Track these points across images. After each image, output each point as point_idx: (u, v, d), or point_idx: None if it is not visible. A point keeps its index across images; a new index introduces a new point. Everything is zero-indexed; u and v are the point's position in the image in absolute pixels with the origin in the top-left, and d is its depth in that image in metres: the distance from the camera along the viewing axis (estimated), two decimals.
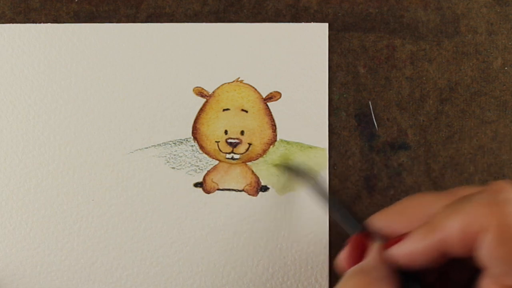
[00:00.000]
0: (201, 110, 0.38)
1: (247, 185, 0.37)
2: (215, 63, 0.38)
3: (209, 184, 0.38)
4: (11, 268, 0.37)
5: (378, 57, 0.38)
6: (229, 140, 0.38)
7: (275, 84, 0.38)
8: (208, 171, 0.38)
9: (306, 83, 0.38)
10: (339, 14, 0.39)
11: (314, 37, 0.38)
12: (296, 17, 0.39)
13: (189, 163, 0.38)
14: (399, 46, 0.38)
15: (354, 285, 0.25)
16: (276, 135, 0.38)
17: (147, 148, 0.38)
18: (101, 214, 0.37)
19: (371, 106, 0.38)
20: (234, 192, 0.37)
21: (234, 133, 0.38)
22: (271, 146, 0.38)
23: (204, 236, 0.37)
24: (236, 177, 0.38)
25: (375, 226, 0.27)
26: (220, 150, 0.38)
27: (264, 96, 0.38)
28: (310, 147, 0.38)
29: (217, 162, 0.38)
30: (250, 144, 0.38)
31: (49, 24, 0.39)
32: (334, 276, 0.36)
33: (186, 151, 0.38)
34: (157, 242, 0.37)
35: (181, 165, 0.38)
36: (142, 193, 0.37)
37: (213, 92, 0.38)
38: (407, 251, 0.24)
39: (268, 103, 0.38)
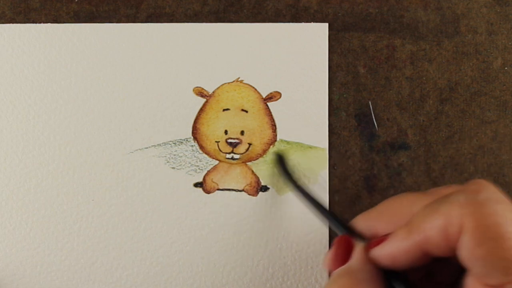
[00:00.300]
0: (201, 110, 0.38)
1: (247, 185, 0.37)
2: (215, 63, 0.38)
3: (209, 184, 0.38)
4: (11, 268, 0.37)
5: (378, 57, 0.38)
6: (229, 140, 0.38)
7: (275, 84, 0.38)
8: (208, 171, 0.38)
9: (306, 83, 0.38)
10: (339, 14, 0.39)
11: (314, 37, 0.38)
12: (296, 17, 0.39)
13: (189, 163, 0.38)
14: (399, 46, 0.38)
15: (341, 286, 0.25)
16: (276, 135, 0.38)
17: (147, 148, 0.38)
18: (101, 214, 0.37)
19: (371, 106, 0.38)
20: (234, 192, 0.37)
21: (234, 133, 0.38)
22: (271, 146, 0.38)
23: (204, 236, 0.37)
24: (236, 177, 0.38)
25: (359, 227, 0.27)
26: (220, 150, 0.38)
27: (264, 96, 0.38)
28: (310, 147, 0.38)
29: (217, 162, 0.38)
30: (250, 144, 0.38)
31: (49, 24, 0.39)
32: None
33: (186, 151, 0.38)
34: (157, 242, 0.37)
35: (181, 165, 0.38)
36: (142, 193, 0.37)
37: (213, 92, 0.38)
38: (389, 251, 0.24)
39: (268, 103, 0.38)
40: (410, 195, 0.26)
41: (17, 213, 0.37)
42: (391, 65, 0.38)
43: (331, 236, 0.37)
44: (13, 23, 0.39)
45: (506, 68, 0.38)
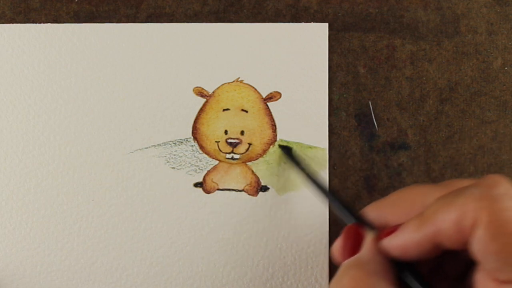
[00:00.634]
0: (201, 110, 0.38)
1: (247, 185, 0.37)
2: (215, 63, 0.38)
3: (209, 184, 0.38)
4: (11, 268, 0.37)
5: (378, 57, 0.38)
6: (229, 140, 0.38)
7: (275, 84, 0.38)
8: (208, 171, 0.38)
9: (306, 83, 0.38)
10: (339, 14, 0.39)
11: (314, 37, 0.38)
12: (296, 17, 0.39)
13: (189, 163, 0.38)
14: (399, 46, 0.38)
15: (351, 278, 0.24)
16: (276, 135, 0.38)
17: (147, 148, 0.38)
18: (101, 214, 0.37)
19: (371, 106, 0.38)
20: (234, 192, 0.37)
21: (234, 133, 0.38)
22: (271, 146, 0.38)
23: (204, 236, 0.37)
24: (236, 177, 0.38)
25: (369, 217, 0.27)
26: (220, 150, 0.38)
27: (264, 96, 0.38)
28: (310, 147, 0.38)
29: (217, 162, 0.38)
30: (250, 144, 0.38)
31: (49, 24, 0.39)
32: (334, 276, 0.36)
33: (186, 151, 0.38)
34: (157, 242, 0.37)
35: (181, 165, 0.38)
36: (142, 193, 0.37)
37: (213, 92, 0.38)
38: (400, 242, 0.24)
39: (268, 103, 0.38)
40: (422, 187, 0.26)
41: (17, 213, 0.37)
42: (391, 65, 0.38)
43: (331, 236, 0.37)
44: (13, 23, 0.39)
45: (506, 68, 0.38)
